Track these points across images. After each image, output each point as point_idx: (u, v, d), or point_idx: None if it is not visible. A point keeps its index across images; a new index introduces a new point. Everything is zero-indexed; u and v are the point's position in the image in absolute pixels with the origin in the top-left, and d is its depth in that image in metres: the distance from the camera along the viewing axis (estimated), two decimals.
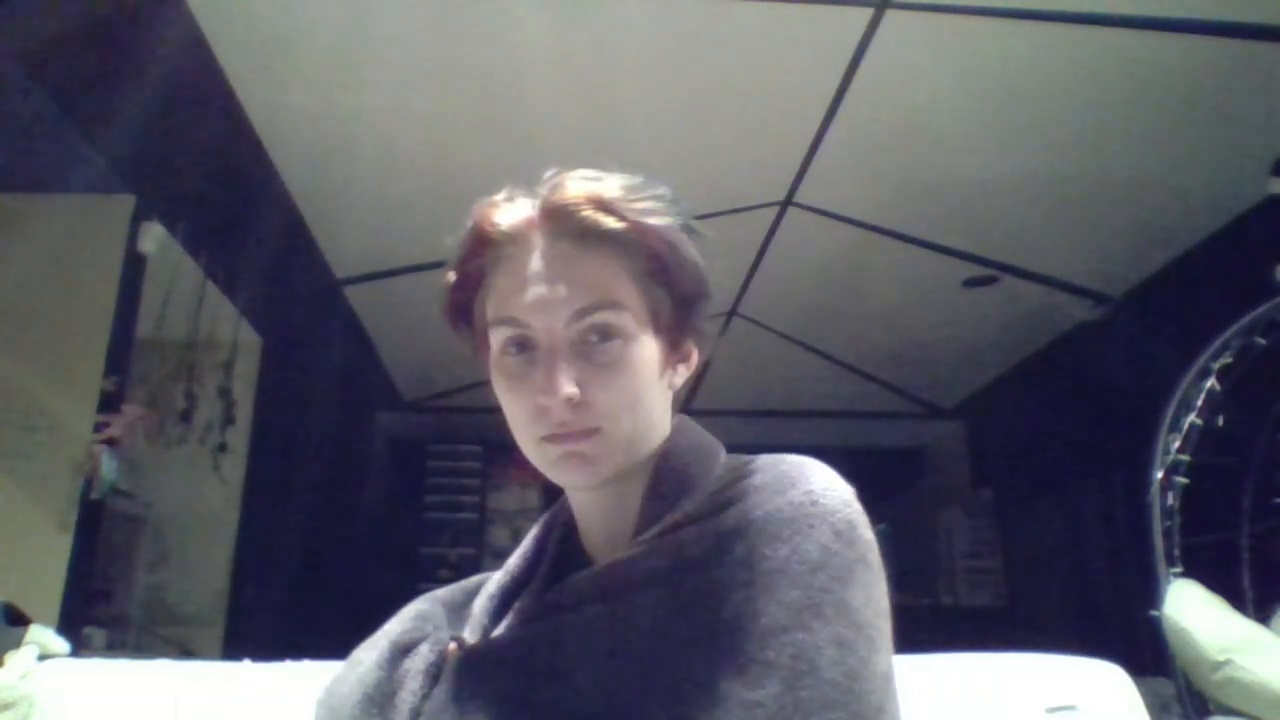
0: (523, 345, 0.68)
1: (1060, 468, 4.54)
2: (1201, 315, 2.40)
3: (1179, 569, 2.16)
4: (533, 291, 0.67)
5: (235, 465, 3.44)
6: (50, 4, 2.10)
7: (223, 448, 3.22)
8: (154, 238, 2.78)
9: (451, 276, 0.73)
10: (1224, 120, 2.71)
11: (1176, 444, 2.22)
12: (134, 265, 2.77)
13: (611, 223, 0.67)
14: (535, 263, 0.68)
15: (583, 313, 0.67)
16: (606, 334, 0.67)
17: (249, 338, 3.51)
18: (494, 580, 0.79)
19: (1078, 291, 3.90)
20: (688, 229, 0.72)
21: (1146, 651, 2.10)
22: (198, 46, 2.39)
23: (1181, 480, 2.22)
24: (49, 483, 2.52)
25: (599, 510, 0.73)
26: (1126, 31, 2.36)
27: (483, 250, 0.70)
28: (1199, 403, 2.22)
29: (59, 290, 2.70)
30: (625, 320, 0.68)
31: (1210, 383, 2.23)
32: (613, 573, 0.66)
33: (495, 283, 0.70)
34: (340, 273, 3.77)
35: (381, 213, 3.29)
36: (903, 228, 3.46)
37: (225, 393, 3.26)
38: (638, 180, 0.71)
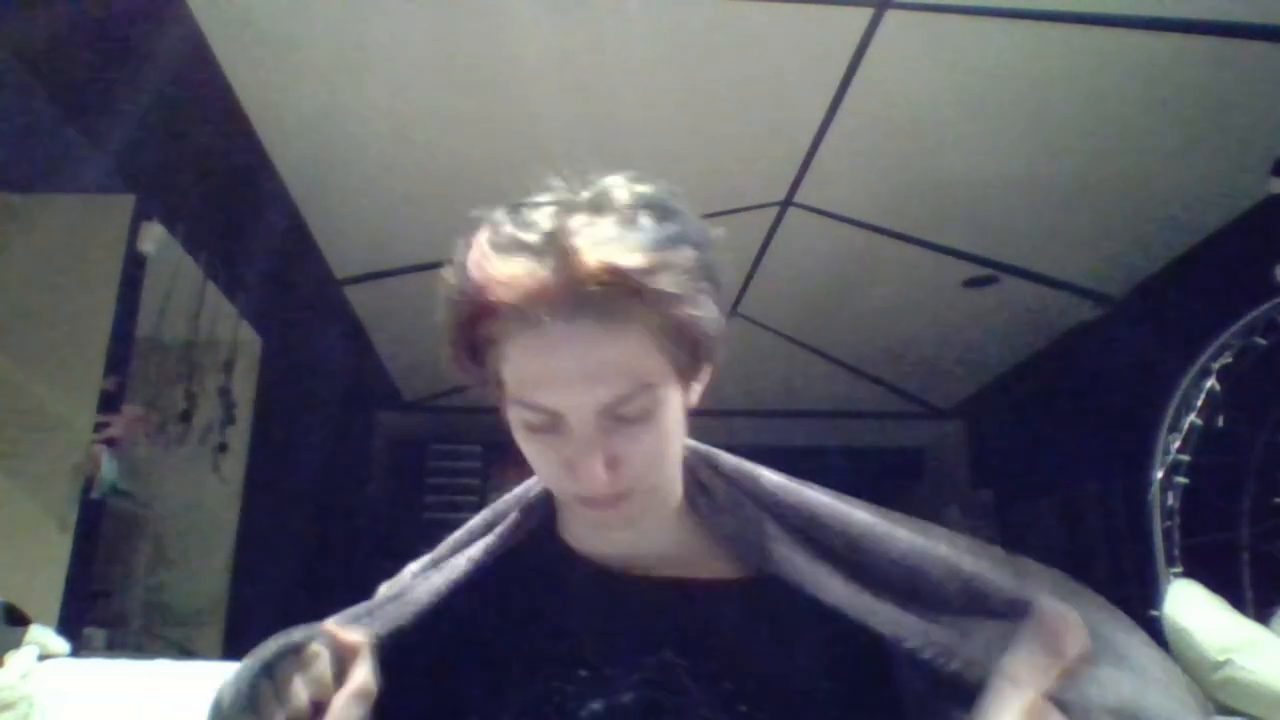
0: (549, 423, 0.65)
1: (1060, 468, 4.53)
2: (1201, 315, 2.40)
3: (1179, 569, 2.16)
4: (558, 379, 0.62)
5: (235, 465, 3.43)
6: (50, 4, 2.10)
7: (223, 448, 3.22)
8: (154, 238, 2.77)
9: (453, 340, 0.67)
10: (1224, 120, 2.70)
11: (1176, 444, 2.22)
12: (134, 265, 2.77)
13: (636, 303, 0.62)
14: (557, 346, 0.62)
15: (615, 401, 0.63)
16: (638, 412, 0.65)
17: (249, 338, 3.50)
18: (451, 568, 0.76)
19: (1078, 291, 3.90)
20: (703, 247, 0.66)
21: None
22: (198, 46, 2.39)
23: (1181, 480, 2.22)
24: (49, 483, 2.51)
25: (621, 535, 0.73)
26: (1126, 31, 2.36)
27: (490, 319, 0.64)
28: (1199, 403, 2.22)
29: (59, 290, 2.69)
30: (655, 395, 0.65)
31: (1210, 383, 2.23)
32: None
33: (509, 354, 0.64)
34: (340, 273, 3.77)
35: (381, 213, 3.28)
36: (903, 228, 3.46)
37: (225, 393, 3.25)
38: (646, 216, 0.64)
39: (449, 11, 2.34)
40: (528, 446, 0.67)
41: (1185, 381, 2.26)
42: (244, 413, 3.44)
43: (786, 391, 5.36)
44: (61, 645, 1.32)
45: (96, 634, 2.83)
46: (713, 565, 0.73)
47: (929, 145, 2.91)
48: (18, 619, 1.62)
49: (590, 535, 0.75)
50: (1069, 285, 3.86)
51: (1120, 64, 2.50)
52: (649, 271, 0.62)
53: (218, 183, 2.93)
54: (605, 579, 0.72)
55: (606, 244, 0.62)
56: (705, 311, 0.66)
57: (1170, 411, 2.25)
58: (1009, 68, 2.54)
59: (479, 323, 0.65)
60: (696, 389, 0.73)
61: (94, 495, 2.52)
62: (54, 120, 2.38)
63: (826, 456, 5.51)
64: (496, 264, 0.63)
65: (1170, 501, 2.21)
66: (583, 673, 0.67)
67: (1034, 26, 2.36)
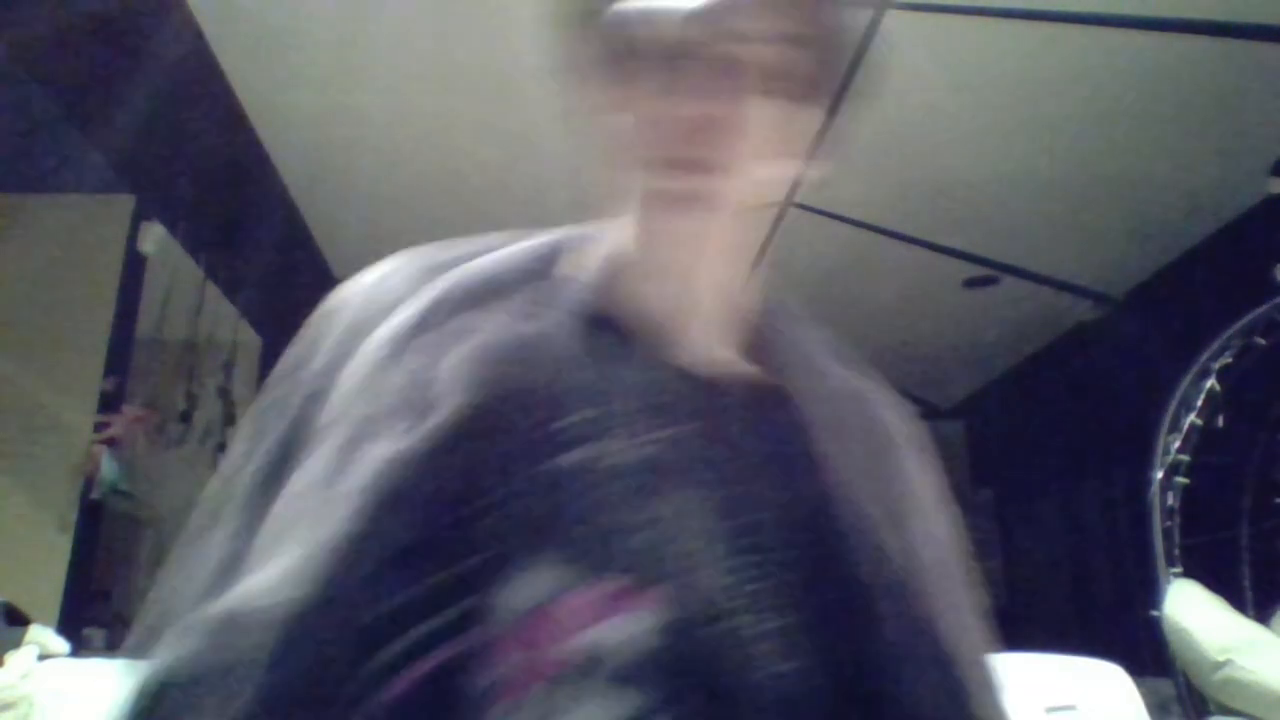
0: (670, 68, 0.58)
1: (1060, 468, 4.53)
2: (1201, 315, 2.40)
3: (1179, 569, 2.16)
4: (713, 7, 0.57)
5: None
6: (50, 4, 2.10)
7: (223, 448, 3.22)
8: (154, 238, 2.78)
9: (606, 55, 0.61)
10: (1224, 120, 2.71)
11: (1176, 444, 2.22)
12: (134, 265, 2.77)
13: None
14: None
15: (750, 49, 0.57)
16: (755, 93, 0.59)
17: (249, 338, 3.51)
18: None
19: (1078, 291, 3.90)
20: None
21: (1146, 651, 2.09)
22: (198, 46, 2.39)
23: (1181, 480, 2.22)
24: (49, 483, 2.52)
25: (690, 257, 0.63)
26: (1126, 31, 2.36)
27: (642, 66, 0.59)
28: (1199, 403, 2.22)
29: (59, 290, 2.70)
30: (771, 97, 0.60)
31: (1210, 383, 2.23)
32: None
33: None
34: (340, 273, 3.76)
35: (381, 213, 3.28)
36: (903, 228, 3.46)
37: (225, 393, 3.25)
38: None
39: (449, 12, 2.34)
40: (628, 113, 0.60)
41: (1185, 381, 2.26)
42: (244, 413, 3.43)
43: None
44: (61, 645, 1.32)
45: (96, 634, 2.84)
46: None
47: (929, 145, 2.91)
48: (18, 619, 1.63)
49: (655, 281, 0.63)
50: (1069, 285, 3.86)
51: (1120, 64, 2.50)
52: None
53: (218, 183, 2.93)
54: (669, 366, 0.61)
55: None
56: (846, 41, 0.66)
57: (1170, 411, 2.25)
58: (1009, 68, 2.54)
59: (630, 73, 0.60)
60: (800, 139, 0.64)
61: (94, 495, 2.52)
62: (54, 120, 2.39)
63: None
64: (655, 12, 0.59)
65: (1170, 501, 2.21)
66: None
67: (1034, 26, 2.36)
